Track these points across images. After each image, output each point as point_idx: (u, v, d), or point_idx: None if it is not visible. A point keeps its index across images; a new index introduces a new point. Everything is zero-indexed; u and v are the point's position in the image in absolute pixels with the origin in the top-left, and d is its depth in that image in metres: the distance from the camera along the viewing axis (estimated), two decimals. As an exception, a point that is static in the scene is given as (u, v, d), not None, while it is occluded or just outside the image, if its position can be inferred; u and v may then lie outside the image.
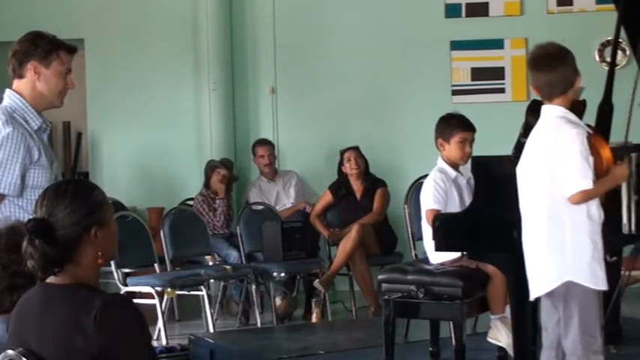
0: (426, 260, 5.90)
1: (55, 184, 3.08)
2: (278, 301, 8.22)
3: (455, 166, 5.85)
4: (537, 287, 4.49)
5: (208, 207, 8.73)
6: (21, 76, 4.12)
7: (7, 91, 4.17)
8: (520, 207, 4.51)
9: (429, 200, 5.71)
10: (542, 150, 4.43)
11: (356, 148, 8.81)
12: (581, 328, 4.39)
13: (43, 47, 4.09)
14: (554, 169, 4.35)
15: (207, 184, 8.88)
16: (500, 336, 5.60)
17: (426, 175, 6.01)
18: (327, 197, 8.77)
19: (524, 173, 4.52)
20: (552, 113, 4.43)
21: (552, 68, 4.42)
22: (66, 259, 2.76)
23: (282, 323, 8.17)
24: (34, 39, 4.11)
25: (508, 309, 5.44)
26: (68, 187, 2.85)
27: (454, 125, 5.84)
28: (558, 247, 4.40)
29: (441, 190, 5.73)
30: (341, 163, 8.82)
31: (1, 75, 4.60)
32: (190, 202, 9.00)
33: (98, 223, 2.80)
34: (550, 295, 4.48)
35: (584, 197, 4.33)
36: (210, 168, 8.91)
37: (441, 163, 5.86)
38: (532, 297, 4.53)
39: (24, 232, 3.07)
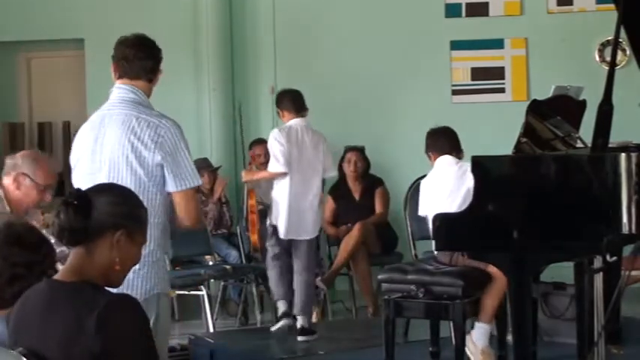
0: (426, 260, 5.91)
1: (112, 182, 3.44)
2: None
3: None
4: None
5: None
6: (150, 80, 4.22)
7: (132, 87, 4.23)
8: None
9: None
10: None
11: (360, 150, 8.72)
12: None
13: (161, 55, 4.24)
14: None
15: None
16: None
17: (426, 176, 6.04)
18: (330, 203, 8.68)
19: None
20: None
21: None
22: (85, 240, 2.76)
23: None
24: (157, 46, 4.22)
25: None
26: (123, 188, 3.02)
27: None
28: None
29: None
30: (342, 161, 8.78)
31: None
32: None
33: (128, 230, 2.80)
34: None
35: None
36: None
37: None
38: None
39: (20, 228, 3.15)
